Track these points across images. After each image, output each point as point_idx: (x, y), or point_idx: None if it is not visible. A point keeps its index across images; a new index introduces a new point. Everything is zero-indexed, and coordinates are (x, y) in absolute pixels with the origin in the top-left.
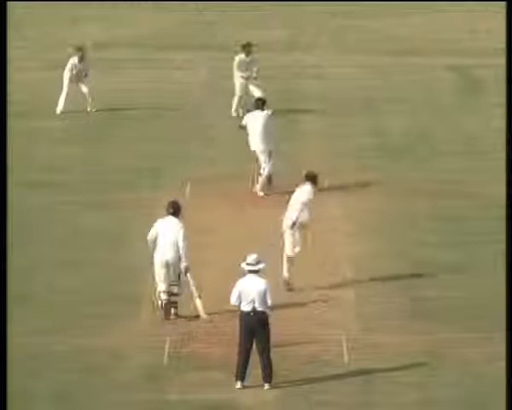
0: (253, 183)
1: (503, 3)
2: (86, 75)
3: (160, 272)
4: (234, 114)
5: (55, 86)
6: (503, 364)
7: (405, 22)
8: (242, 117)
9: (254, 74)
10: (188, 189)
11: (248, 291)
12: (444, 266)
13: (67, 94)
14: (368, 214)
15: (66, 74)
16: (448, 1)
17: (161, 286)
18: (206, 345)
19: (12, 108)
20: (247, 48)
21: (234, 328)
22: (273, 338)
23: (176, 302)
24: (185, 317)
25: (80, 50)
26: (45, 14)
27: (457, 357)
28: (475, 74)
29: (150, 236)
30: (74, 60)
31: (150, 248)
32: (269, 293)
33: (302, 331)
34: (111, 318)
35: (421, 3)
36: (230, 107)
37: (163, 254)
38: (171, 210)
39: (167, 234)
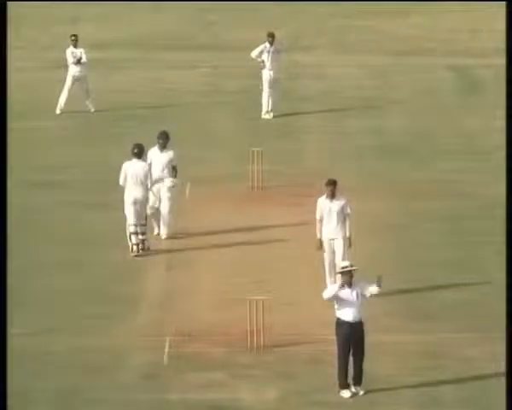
0: (253, 183)
1: (503, 3)
2: (80, 61)
3: (130, 210)
4: (266, 116)
5: (55, 86)
6: (502, 364)
7: (405, 22)
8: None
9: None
10: (188, 189)
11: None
12: (444, 266)
13: (68, 92)
14: (368, 214)
15: (70, 70)
16: (448, 1)
17: (131, 228)
18: (206, 345)
19: (12, 108)
20: (270, 37)
21: (234, 328)
22: (274, 338)
23: (144, 240)
24: (152, 251)
25: (74, 36)
26: (45, 14)
27: (457, 357)
28: (475, 74)
29: (121, 178)
30: (70, 48)
31: (123, 187)
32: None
33: (302, 331)
34: (111, 318)
35: (421, 3)
36: (230, 107)
37: (132, 192)
38: (136, 151)
39: (136, 174)
